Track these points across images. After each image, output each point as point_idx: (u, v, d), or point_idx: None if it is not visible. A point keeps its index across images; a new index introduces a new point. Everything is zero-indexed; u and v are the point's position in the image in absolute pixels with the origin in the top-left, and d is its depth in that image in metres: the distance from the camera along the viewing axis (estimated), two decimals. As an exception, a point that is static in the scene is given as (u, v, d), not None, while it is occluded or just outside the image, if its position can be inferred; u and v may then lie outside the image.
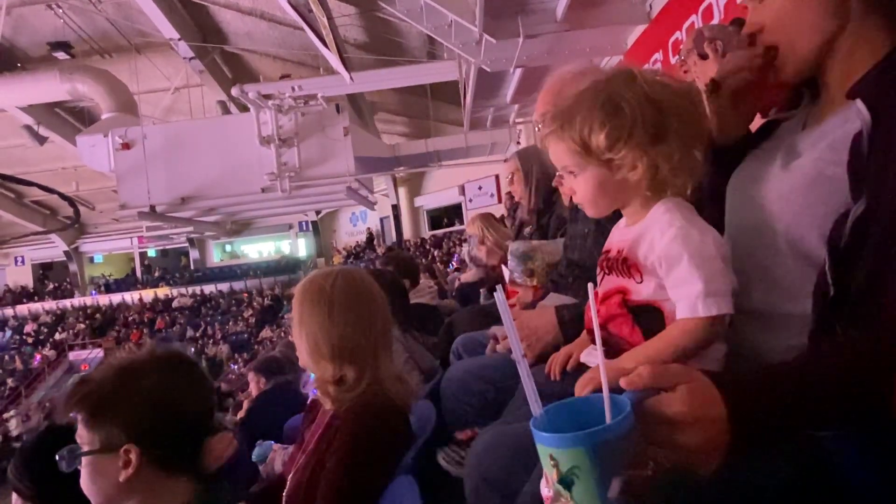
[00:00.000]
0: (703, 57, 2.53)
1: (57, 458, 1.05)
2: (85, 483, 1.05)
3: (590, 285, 0.73)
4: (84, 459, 1.05)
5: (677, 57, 3.34)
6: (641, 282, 0.91)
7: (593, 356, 1.00)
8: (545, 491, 0.58)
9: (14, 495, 1.42)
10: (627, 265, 0.92)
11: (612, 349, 0.93)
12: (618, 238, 0.99)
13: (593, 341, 1.01)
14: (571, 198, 1.98)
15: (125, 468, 1.02)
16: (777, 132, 0.99)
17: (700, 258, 0.85)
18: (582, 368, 1.10)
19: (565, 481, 0.56)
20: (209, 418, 1.15)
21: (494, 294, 0.72)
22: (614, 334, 0.93)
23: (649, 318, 0.90)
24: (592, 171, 0.92)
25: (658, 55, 4.90)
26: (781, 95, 1.00)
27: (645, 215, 0.93)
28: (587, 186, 0.94)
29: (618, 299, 0.93)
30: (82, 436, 1.05)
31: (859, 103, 0.77)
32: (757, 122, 1.06)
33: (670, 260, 0.87)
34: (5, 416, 14.49)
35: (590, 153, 0.90)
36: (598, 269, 1.00)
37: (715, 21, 4.14)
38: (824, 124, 0.85)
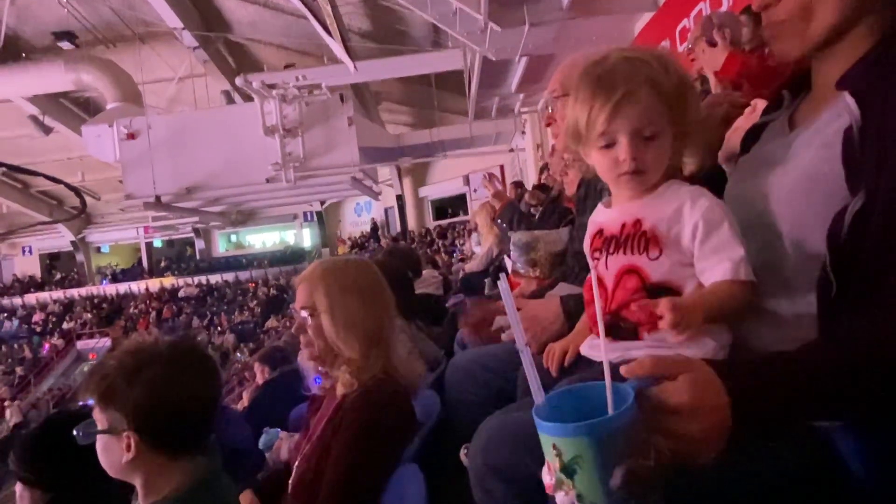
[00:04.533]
0: (712, 44, 2.50)
1: (74, 432, 1.12)
2: (100, 456, 1.13)
3: (591, 273, 0.72)
4: (98, 436, 1.12)
5: (685, 44, 3.31)
6: (658, 257, 0.87)
7: (595, 348, 0.99)
8: (547, 479, 0.58)
9: (19, 484, 1.44)
10: (646, 238, 0.88)
11: (629, 336, 0.88)
12: (604, 219, 0.95)
13: (595, 331, 0.99)
14: (578, 187, 1.98)
15: (127, 451, 1.08)
16: (763, 135, 0.98)
17: (735, 227, 0.86)
18: (581, 361, 1.08)
19: (568, 470, 0.56)
20: (214, 408, 1.19)
21: (498, 283, 0.72)
22: (631, 321, 0.88)
23: None
24: (669, 136, 0.89)
25: (665, 43, 4.85)
26: (778, 79, 0.99)
27: (643, 196, 0.91)
28: (662, 152, 0.89)
29: (635, 282, 0.88)
30: (97, 415, 1.13)
31: (847, 96, 0.76)
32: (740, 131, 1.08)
33: (710, 224, 0.85)
34: (6, 404, 14.64)
35: (673, 114, 0.88)
36: (597, 252, 0.94)
37: (724, 8, 4.09)
38: (817, 122, 0.84)
